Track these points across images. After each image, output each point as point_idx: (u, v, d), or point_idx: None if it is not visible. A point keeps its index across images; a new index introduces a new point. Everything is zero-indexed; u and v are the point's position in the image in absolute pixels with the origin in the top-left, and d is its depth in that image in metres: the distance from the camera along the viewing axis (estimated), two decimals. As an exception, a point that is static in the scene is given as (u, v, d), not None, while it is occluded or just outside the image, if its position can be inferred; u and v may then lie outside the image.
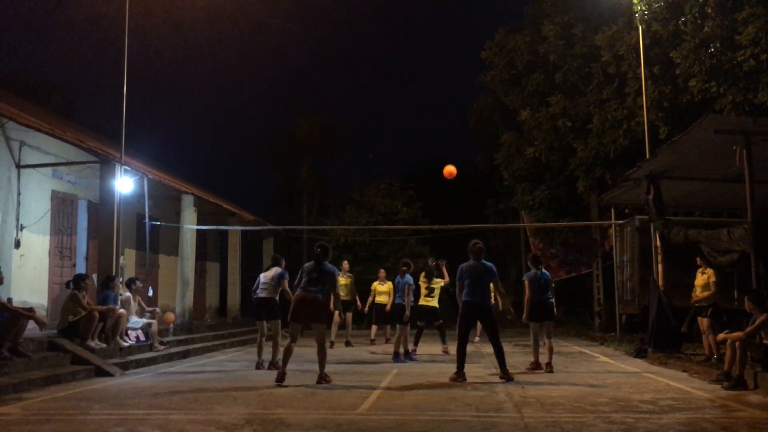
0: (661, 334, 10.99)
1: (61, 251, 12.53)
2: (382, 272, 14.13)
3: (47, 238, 12.10)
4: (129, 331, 10.99)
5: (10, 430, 5.54)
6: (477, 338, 13.84)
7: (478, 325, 11.55)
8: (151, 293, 14.33)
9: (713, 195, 12.42)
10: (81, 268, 12.65)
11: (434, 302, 11.50)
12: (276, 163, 27.22)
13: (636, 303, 14.06)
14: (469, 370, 8.50)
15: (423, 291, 11.77)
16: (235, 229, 18.51)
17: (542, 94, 18.31)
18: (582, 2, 17.04)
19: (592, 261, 19.31)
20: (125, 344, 10.59)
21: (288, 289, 9.59)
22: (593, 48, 16.15)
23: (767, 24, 11.32)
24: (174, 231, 15.60)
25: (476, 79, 22.53)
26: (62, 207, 12.58)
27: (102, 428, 5.58)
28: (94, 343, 9.81)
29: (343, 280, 14.10)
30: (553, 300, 9.64)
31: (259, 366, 9.78)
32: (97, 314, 9.91)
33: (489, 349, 12.99)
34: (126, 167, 12.19)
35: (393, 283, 12.17)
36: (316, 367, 8.18)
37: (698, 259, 10.20)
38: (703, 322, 9.98)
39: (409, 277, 11.28)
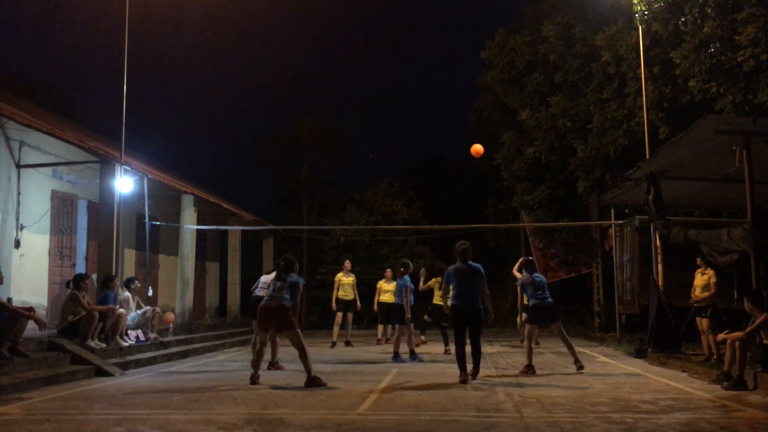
0: (661, 334, 10.98)
1: (61, 251, 12.53)
2: (388, 272, 13.97)
3: (47, 237, 12.10)
4: (129, 331, 11.00)
5: (10, 430, 5.54)
6: (423, 337, 13.41)
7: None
8: (150, 293, 14.34)
9: (713, 195, 12.42)
10: (81, 268, 12.65)
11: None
12: (276, 163, 27.17)
13: (636, 303, 14.06)
14: (469, 370, 8.48)
15: (437, 291, 11.79)
16: (235, 229, 18.52)
17: (542, 94, 18.31)
18: (582, 2, 17.04)
19: (592, 261, 19.30)
20: (125, 344, 10.59)
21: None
22: (593, 48, 16.15)
23: (767, 24, 11.32)
24: (174, 231, 15.60)
25: (476, 79, 22.57)
26: (62, 207, 12.58)
27: (102, 428, 5.58)
28: (94, 343, 9.82)
29: (345, 279, 14.09)
30: (551, 300, 9.59)
31: (270, 366, 9.62)
32: (96, 314, 9.92)
33: (490, 348, 13.10)
34: (126, 167, 12.19)
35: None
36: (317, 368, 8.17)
37: (698, 260, 10.20)
38: (703, 323, 9.98)
39: (407, 278, 11.21)
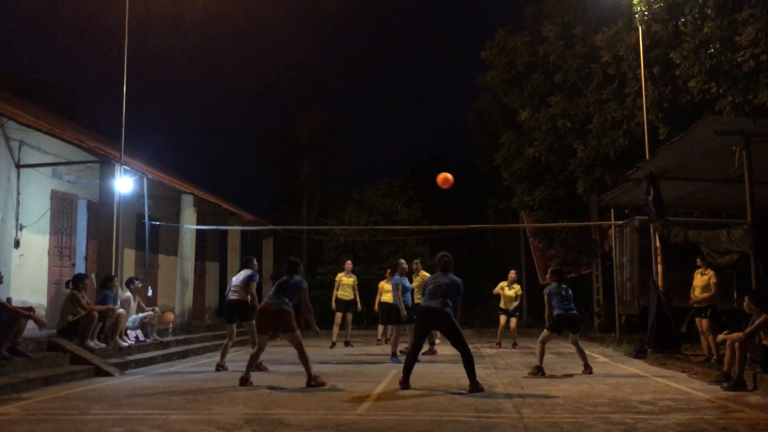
0: (661, 334, 10.99)
1: (60, 251, 12.53)
2: (389, 272, 14.03)
3: (47, 237, 12.09)
4: (128, 331, 10.99)
5: (10, 430, 5.54)
6: (438, 341, 12.89)
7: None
8: (150, 293, 14.33)
9: (713, 196, 12.42)
10: (80, 268, 12.65)
11: None
12: (276, 163, 27.20)
13: (635, 303, 14.07)
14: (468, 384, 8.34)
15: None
16: (234, 229, 18.51)
17: (542, 94, 18.31)
18: (582, 3, 17.05)
19: (591, 261, 19.32)
20: (124, 344, 10.58)
21: (254, 293, 9.55)
22: (593, 48, 16.16)
23: (767, 25, 11.33)
24: (174, 231, 15.60)
25: (476, 79, 22.57)
26: (62, 207, 12.57)
27: (101, 428, 5.58)
28: (94, 343, 9.81)
29: (346, 279, 14.08)
30: (575, 312, 9.45)
31: (219, 368, 9.60)
32: (96, 314, 9.91)
33: (489, 350, 13.10)
34: (126, 167, 12.18)
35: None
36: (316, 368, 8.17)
37: (698, 261, 10.20)
38: (703, 323, 9.98)
39: (397, 277, 11.28)
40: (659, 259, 11.84)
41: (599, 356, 11.67)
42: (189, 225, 15.34)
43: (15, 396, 7.19)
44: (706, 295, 9.92)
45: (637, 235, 13.91)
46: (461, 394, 7.25)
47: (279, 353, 11.36)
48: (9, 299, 9.89)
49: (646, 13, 13.15)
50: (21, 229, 11.37)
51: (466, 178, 28.49)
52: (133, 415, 6.15)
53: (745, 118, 9.43)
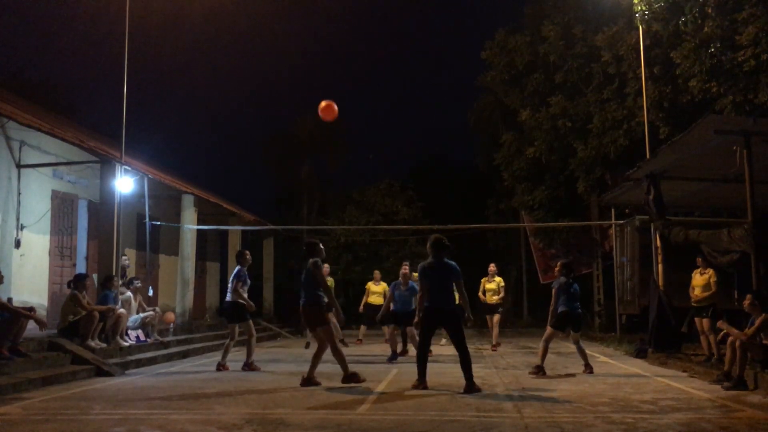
0: (661, 334, 10.99)
1: (61, 251, 12.53)
2: (377, 273, 14.05)
3: (47, 237, 12.10)
4: (129, 331, 11.00)
5: (10, 430, 5.54)
6: (444, 341, 13.10)
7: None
8: (151, 293, 14.33)
9: (713, 195, 12.41)
10: (81, 268, 12.66)
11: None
12: (276, 163, 27.20)
13: (636, 303, 14.07)
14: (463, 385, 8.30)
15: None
16: (235, 229, 18.52)
17: (542, 94, 18.31)
18: (582, 2, 17.04)
19: (592, 261, 19.31)
20: (125, 344, 10.59)
21: (240, 290, 9.47)
22: (593, 48, 16.16)
23: (767, 24, 11.31)
24: (174, 231, 15.60)
25: (476, 79, 22.57)
26: (62, 207, 12.58)
27: (102, 428, 5.58)
28: (94, 343, 9.82)
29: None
30: (581, 310, 9.39)
31: (220, 367, 9.57)
32: (97, 314, 9.91)
33: (489, 350, 13.08)
34: (126, 167, 12.18)
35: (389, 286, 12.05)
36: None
37: (699, 260, 10.20)
38: (703, 323, 9.98)
39: (412, 284, 11.12)
40: (660, 259, 11.84)
41: (600, 356, 11.67)
42: (189, 225, 15.34)
43: (16, 396, 7.19)
44: (706, 294, 9.93)
45: (638, 234, 13.91)
46: (462, 393, 7.25)
47: (279, 353, 11.35)
48: (10, 299, 9.90)
49: (646, 12, 13.14)
50: (22, 229, 11.38)
51: (466, 178, 28.58)
52: (134, 415, 6.15)
53: (745, 118, 9.43)
